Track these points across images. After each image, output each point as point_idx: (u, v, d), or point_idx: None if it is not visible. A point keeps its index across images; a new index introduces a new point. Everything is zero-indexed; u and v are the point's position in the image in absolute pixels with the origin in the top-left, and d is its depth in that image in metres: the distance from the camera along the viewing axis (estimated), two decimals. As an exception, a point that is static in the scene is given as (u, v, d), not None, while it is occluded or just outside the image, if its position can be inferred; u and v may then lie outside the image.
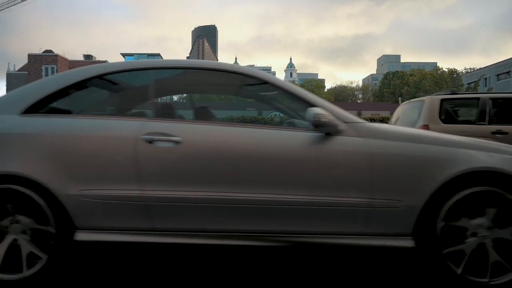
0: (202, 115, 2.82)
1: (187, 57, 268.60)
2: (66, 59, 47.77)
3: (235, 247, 2.25)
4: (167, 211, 2.12)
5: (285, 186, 2.10)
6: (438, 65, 68.36)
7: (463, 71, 44.99)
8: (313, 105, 2.20)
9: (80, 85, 2.42)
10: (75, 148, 2.15)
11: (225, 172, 2.12)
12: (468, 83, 39.78)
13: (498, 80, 39.90)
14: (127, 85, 2.77)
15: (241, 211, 2.11)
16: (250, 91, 3.01)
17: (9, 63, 50.44)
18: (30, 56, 46.07)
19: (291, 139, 2.16)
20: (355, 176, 2.10)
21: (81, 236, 2.15)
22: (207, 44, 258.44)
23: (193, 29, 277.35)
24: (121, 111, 2.75)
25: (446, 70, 39.58)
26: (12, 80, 47.66)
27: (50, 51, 49.00)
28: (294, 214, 2.12)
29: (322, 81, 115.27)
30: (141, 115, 2.41)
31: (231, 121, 2.60)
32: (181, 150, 2.13)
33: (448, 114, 5.38)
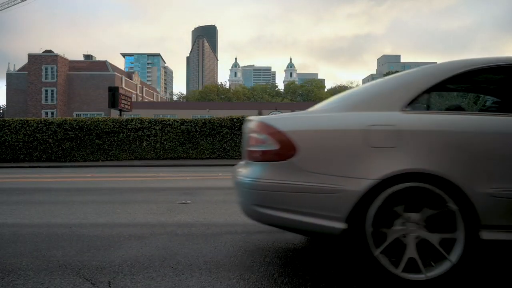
0: None
1: (187, 57, 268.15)
2: (66, 59, 47.73)
3: None
4: None
5: None
6: (438, 65, 67.86)
7: (463, 71, 44.91)
8: None
9: (453, 80, 2.38)
10: (486, 146, 2.15)
11: None
12: (468, 83, 39.72)
13: (498, 80, 39.78)
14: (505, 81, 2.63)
15: None
16: None
17: (9, 63, 50.46)
18: (30, 56, 46.04)
19: None
20: None
21: (487, 235, 2.10)
22: (207, 44, 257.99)
23: (193, 29, 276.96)
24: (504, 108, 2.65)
25: (446, 70, 39.43)
26: (12, 80, 47.69)
27: (50, 51, 48.93)
28: None
29: (322, 81, 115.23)
30: None
31: None
32: None
33: None
